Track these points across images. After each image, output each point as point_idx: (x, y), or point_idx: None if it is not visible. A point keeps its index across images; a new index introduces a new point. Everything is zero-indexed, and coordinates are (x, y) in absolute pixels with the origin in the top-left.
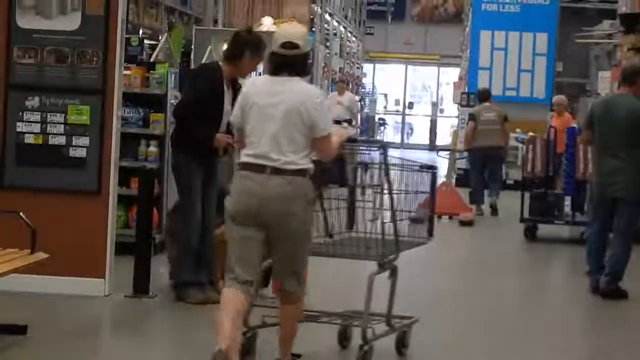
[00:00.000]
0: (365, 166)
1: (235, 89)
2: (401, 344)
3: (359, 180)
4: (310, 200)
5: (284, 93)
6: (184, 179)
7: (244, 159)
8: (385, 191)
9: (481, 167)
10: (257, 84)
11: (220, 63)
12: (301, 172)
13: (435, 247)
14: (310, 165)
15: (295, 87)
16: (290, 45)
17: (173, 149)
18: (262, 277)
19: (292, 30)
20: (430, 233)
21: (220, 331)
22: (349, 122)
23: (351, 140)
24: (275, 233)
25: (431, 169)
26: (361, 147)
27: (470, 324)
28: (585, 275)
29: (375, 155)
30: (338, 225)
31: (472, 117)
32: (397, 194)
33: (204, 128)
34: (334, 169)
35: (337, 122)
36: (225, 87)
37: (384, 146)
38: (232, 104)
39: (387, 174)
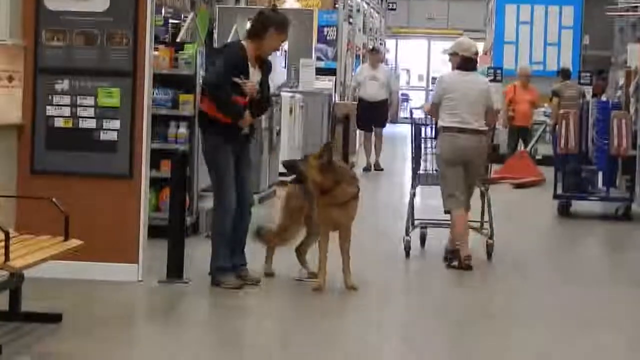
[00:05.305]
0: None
1: (264, 66)
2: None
3: None
4: (487, 149)
5: (472, 82)
6: (215, 163)
7: (449, 124)
8: None
9: None
10: (451, 77)
11: (243, 42)
12: (484, 132)
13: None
14: (486, 127)
15: (477, 78)
16: (477, 52)
17: (201, 132)
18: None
19: (472, 41)
20: None
21: (462, 245)
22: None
23: None
24: (471, 169)
25: None
26: None
27: None
28: None
29: None
30: None
31: (555, 93)
32: None
33: (235, 104)
34: None
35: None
36: (250, 66)
37: None
38: (265, 81)
39: None
